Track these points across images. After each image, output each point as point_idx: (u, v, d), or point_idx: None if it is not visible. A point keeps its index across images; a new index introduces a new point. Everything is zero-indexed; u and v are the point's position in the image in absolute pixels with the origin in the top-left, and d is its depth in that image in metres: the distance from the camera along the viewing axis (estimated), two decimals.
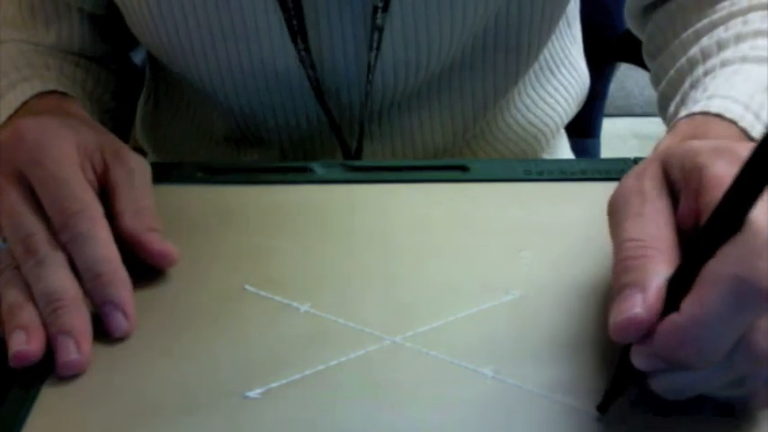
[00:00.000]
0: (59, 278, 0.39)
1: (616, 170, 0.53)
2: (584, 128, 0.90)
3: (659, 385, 0.32)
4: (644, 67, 0.84)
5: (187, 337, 0.39)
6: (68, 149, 0.42)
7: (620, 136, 2.37)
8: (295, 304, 0.41)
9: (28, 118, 0.46)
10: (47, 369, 0.37)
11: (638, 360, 0.31)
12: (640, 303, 0.31)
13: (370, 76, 0.56)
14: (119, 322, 0.39)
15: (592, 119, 0.93)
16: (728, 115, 0.41)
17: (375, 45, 0.55)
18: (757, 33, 0.49)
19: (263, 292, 0.42)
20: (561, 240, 0.46)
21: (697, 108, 0.42)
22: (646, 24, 0.59)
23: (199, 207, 0.49)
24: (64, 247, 0.40)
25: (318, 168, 0.52)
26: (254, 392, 0.36)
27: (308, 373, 0.37)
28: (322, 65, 0.57)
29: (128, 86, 0.67)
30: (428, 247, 0.45)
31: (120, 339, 0.39)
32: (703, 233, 0.30)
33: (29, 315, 0.38)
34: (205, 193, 0.50)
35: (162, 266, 0.43)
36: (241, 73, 0.57)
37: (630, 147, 2.31)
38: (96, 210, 0.41)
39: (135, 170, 0.44)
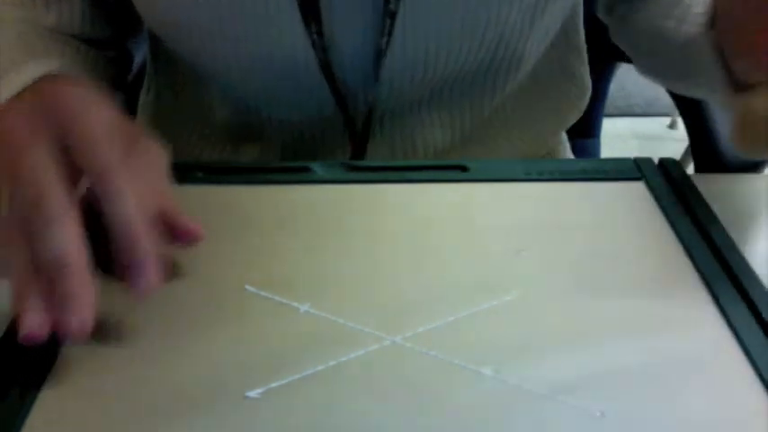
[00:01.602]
0: (69, 238, 0.37)
1: (616, 170, 0.53)
2: (584, 128, 0.90)
3: None
4: None
5: (187, 337, 0.39)
6: (106, 115, 0.42)
7: (620, 136, 2.37)
8: (295, 304, 0.41)
9: (56, 83, 0.45)
10: (47, 368, 0.37)
11: None
12: None
13: (382, 61, 0.56)
14: (151, 276, 0.38)
15: (592, 119, 0.93)
16: None
17: (387, 30, 0.54)
18: None
19: (263, 292, 0.42)
20: (561, 240, 0.46)
21: None
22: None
23: (199, 207, 0.49)
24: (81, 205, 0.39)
25: (318, 168, 0.52)
26: (254, 392, 0.36)
27: (307, 373, 0.37)
28: (333, 50, 0.56)
29: (125, 77, 0.67)
30: (428, 247, 0.45)
31: (119, 339, 0.39)
32: None
33: (38, 288, 0.37)
34: (205, 193, 0.50)
35: (187, 243, 0.42)
36: (249, 57, 0.57)
37: (630, 147, 2.32)
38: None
39: (155, 161, 0.43)
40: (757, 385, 0.36)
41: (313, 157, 0.63)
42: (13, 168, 0.39)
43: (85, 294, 0.37)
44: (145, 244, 0.38)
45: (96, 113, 0.41)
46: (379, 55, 0.55)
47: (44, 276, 0.37)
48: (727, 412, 0.35)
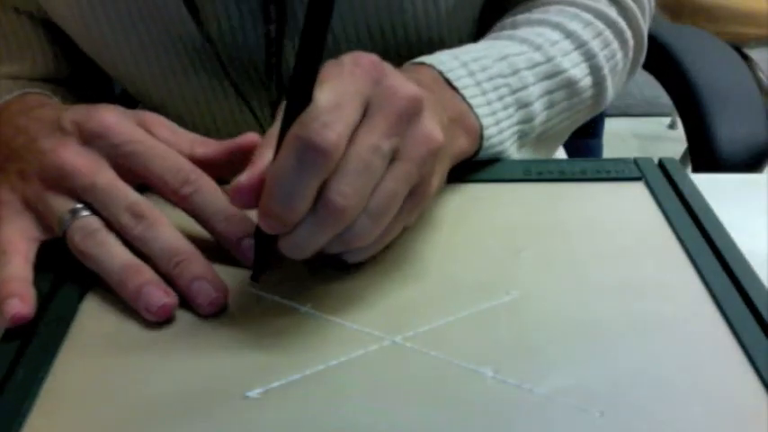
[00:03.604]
0: (176, 236, 0.42)
1: (616, 170, 0.53)
2: (584, 128, 0.90)
3: (283, 246, 0.38)
4: (645, 68, 0.83)
5: (187, 337, 0.39)
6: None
7: (620, 136, 2.37)
8: (295, 304, 0.41)
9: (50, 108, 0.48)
10: (46, 368, 0.37)
11: (262, 223, 0.37)
12: (244, 176, 0.37)
13: (273, 49, 0.56)
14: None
15: (593, 119, 0.93)
16: (429, 62, 0.49)
17: (273, 17, 0.54)
18: (541, 22, 0.56)
19: (263, 293, 0.42)
20: (561, 240, 0.46)
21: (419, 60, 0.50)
22: None
23: None
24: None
25: None
26: (254, 392, 0.36)
27: (308, 373, 0.37)
28: (222, 38, 0.56)
29: None
30: (428, 246, 0.45)
31: (118, 340, 0.39)
32: (284, 111, 0.36)
33: (151, 272, 0.40)
34: None
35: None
36: (156, 55, 0.57)
37: (630, 147, 2.32)
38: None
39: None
40: (757, 385, 0.36)
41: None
42: (84, 187, 0.42)
43: (209, 273, 0.41)
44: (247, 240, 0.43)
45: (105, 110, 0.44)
46: (270, 42, 0.55)
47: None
48: (727, 412, 0.35)
